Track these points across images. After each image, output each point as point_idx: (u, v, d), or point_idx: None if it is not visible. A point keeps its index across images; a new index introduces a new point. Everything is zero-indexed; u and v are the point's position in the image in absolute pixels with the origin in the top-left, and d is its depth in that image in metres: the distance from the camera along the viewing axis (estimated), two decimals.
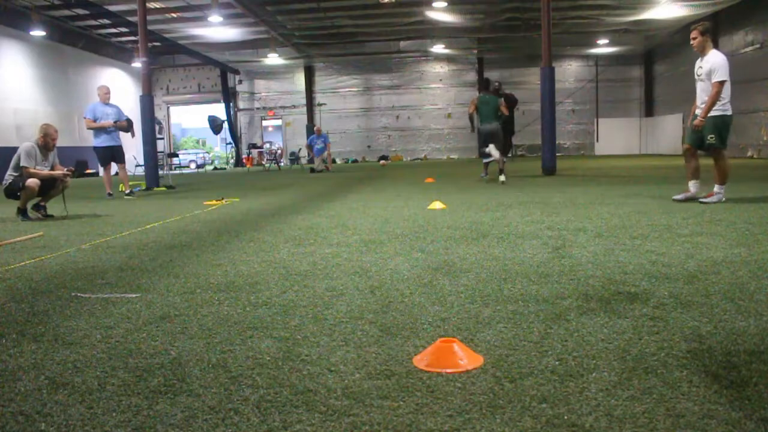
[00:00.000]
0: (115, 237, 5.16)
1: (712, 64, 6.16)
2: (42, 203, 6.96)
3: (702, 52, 6.33)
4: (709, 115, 6.21)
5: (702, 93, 6.31)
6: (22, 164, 6.60)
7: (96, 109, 9.81)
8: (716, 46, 6.95)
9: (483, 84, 11.50)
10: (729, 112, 6.23)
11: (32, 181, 6.57)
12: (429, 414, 1.59)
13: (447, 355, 1.92)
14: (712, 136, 6.20)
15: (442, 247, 4.12)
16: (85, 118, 9.85)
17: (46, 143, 6.86)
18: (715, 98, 6.12)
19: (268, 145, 27.24)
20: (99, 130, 9.77)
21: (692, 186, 6.47)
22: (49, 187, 6.96)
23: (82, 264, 3.91)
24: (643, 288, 2.81)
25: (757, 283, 2.83)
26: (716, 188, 6.27)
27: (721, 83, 6.10)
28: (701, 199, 6.28)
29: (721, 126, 6.20)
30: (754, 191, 6.92)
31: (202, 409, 1.66)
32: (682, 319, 2.32)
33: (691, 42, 6.36)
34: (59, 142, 7.32)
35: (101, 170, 10.23)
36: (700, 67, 6.34)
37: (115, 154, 9.99)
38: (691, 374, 1.79)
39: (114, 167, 10.37)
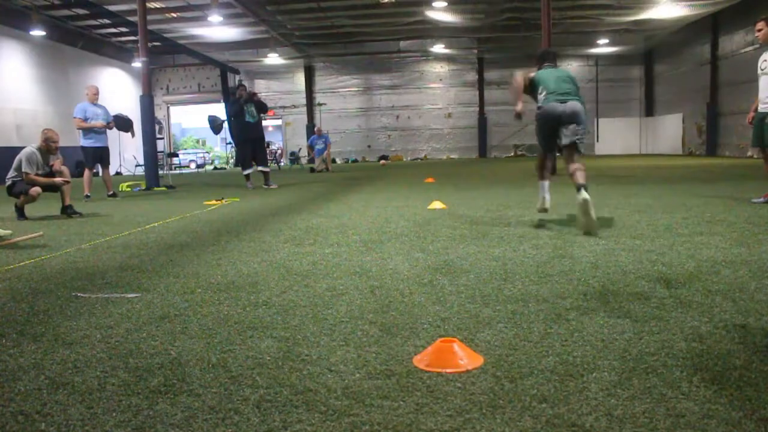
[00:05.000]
0: (115, 237, 5.16)
1: None
2: (66, 205, 7.03)
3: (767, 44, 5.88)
4: (760, 110, 5.84)
5: (766, 88, 5.90)
6: (23, 170, 6.79)
7: (86, 109, 9.74)
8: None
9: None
10: None
11: (34, 190, 6.75)
12: (429, 414, 1.59)
13: (447, 355, 1.92)
14: None
15: (442, 247, 4.12)
16: (75, 117, 9.74)
17: (48, 148, 6.98)
18: None
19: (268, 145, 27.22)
20: (89, 130, 9.70)
21: None
22: (53, 190, 7.05)
23: (82, 264, 3.91)
24: (643, 288, 2.81)
25: (757, 283, 2.83)
26: None
27: None
28: (753, 199, 5.95)
29: None
30: (754, 191, 6.90)
31: (202, 409, 1.66)
32: (682, 319, 2.32)
33: (756, 34, 5.94)
34: (60, 143, 7.39)
35: (85, 171, 9.89)
36: (765, 60, 5.94)
37: (102, 155, 9.92)
38: (691, 374, 1.79)
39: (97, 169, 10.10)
